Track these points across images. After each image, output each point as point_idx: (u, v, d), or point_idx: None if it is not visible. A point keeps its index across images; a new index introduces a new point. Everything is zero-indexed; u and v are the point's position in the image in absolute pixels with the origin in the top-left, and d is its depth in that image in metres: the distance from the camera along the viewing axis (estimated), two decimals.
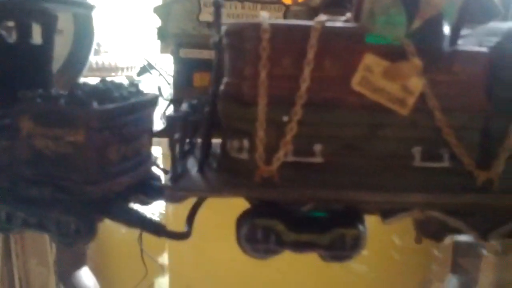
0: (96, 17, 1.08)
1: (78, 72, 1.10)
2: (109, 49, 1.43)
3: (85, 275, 1.25)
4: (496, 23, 0.61)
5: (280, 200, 0.59)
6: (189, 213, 0.67)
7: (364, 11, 0.55)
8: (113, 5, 1.58)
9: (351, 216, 0.60)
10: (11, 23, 0.73)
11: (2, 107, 0.67)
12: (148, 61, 1.39)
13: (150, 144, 0.73)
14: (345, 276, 1.32)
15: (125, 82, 0.72)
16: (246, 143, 0.57)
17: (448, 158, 0.56)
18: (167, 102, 1.01)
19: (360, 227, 0.59)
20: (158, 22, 1.00)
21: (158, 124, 0.84)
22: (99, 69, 1.33)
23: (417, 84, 0.54)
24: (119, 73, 1.39)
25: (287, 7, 1.00)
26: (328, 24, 0.55)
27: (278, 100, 0.55)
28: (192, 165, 0.65)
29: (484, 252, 1.10)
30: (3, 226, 0.71)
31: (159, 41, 1.03)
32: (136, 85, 0.71)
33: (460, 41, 0.56)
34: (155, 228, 0.66)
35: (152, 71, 1.39)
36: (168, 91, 1.12)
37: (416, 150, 0.56)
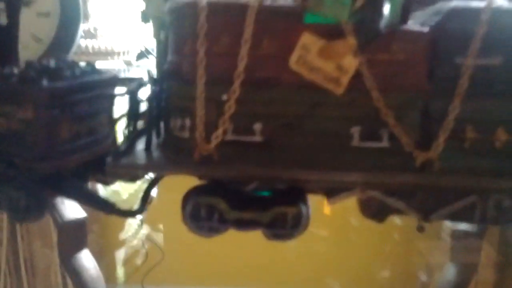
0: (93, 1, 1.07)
1: (64, 54, 1.10)
2: (105, 33, 1.44)
3: (86, 257, 1.27)
4: (444, 3, 0.60)
5: (219, 178, 0.59)
6: (144, 192, 0.68)
7: None
8: None
9: (294, 196, 0.61)
10: None
11: None
12: (145, 47, 1.40)
13: (111, 124, 0.74)
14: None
15: (83, 63, 0.72)
16: (187, 121, 0.58)
17: (387, 138, 0.56)
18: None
19: (302, 206, 0.60)
20: (142, 6, 1.01)
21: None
22: (96, 53, 1.33)
23: (351, 63, 0.54)
24: (116, 57, 1.39)
25: None
26: (267, 2, 0.55)
27: (217, 78, 0.56)
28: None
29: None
30: None
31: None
32: (92, 65, 0.71)
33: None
34: (105, 206, 0.67)
35: (150, 56, 1.39)
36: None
37: (355, 130, 0.56)
